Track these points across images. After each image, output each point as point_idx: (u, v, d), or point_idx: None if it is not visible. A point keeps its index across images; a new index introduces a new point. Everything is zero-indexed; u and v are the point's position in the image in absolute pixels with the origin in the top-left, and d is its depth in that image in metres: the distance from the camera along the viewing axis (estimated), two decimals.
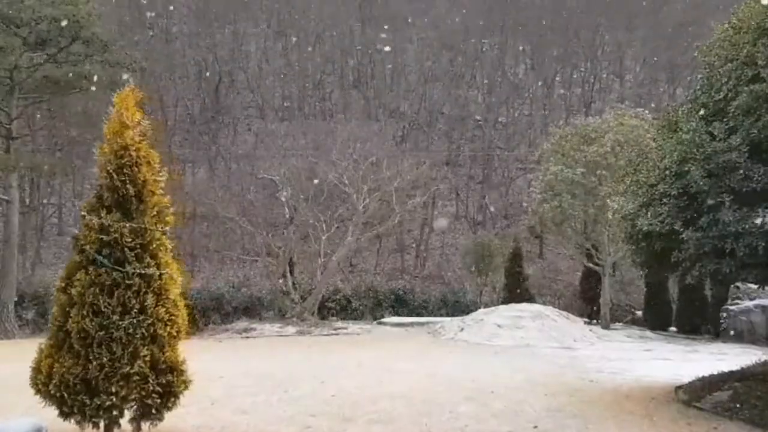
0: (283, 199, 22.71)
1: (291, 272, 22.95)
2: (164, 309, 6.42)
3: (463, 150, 48.13)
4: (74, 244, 6.48)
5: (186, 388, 6.59)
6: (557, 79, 52.63)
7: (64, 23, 20.58)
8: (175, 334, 6.53)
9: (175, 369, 6.44)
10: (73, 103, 24.19)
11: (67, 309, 6.20)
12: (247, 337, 19.40)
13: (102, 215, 6.31)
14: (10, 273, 22.05)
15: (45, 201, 39.67)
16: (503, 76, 53.07)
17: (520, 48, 54.69)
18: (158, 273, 6.46)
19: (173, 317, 6.50)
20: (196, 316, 22.18)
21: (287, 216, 23.12)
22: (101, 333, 6.10)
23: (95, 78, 20.25)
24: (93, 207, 6.42)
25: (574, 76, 54.15)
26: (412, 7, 54.77)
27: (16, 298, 22.12)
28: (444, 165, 41.64)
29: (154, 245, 6.47)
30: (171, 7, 50.38)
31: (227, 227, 34.10)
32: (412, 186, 26.82)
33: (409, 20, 54.52)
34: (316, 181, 22.87)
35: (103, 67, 21.09)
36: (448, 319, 21.30)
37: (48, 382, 6.03)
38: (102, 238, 6.27)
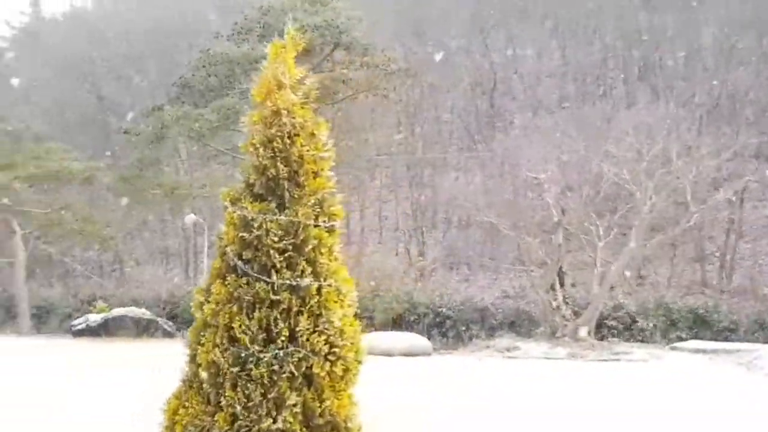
0: (550, 201, 20.01)
1: (561, 284, 20.10)
2: (323, 337, 4.46)
3: None
4: (218, 244, 4.87)
5: None
6: None
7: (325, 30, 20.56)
8: (341, 374, 4.54)
9: (337, 427, 4.44)
10: (334, 110, 24.39)
11: (201, 333, 4.57)
12: (510, 357, 17.11)
13: (244, 206, 4.59)
14: None
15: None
16: None
17: None
18: (316, 285, 4.54)
19: (336, 350, 4.52)
20: (459, 330, 20.62)
21: (555, 219, 20.37)
22: (235, 369, 4.34)
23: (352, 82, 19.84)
24: (238, 195, 4.73)
25: None
26: None
27: None
28: (753, 158, 35.04)
29: (310, 246, 4.57)
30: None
31: (502, 235, 32.35)
32: (712, 183, 22.17)
33: None
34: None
35: (357, 69, 20.66)
36: None
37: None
38: (243, 237, 4.54)
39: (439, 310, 20.42)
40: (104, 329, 22.29)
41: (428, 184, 40.34)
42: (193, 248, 35.50)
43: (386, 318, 20.48)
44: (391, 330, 20.13)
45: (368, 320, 21.27)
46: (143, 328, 22.52)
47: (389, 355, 17.53)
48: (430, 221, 39.78)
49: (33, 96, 50.24)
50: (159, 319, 23.45)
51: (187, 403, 4.44)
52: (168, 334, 23.09)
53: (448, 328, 20.49)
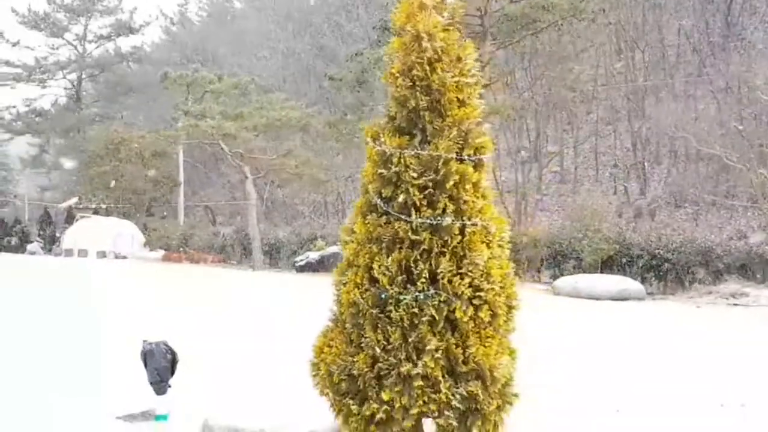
0: None
1: None
2: (467, 280, 4.14)
3: None
4: (361, 182, 4.70)
5: (503, 404, 4.22)
6: None
7: None
8: (487, 320, 4.20)
9: (482, 375, 4.12)
10: (540, 40, 22.95)
11: (346, 272, 4.49)
12: (735, 305, 15.26)
13: (384, 140, 4.35)
14: None
15: (546, 149, 40.31)
16: None
17: None
18: (458, 224, 4.20)
19: (481, 293, 4.16)
20: (679, 273, 18.89)
21: None
22: (375, 310, 4.20)
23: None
24: (379, 129, 4.50)
25: None
26: None
27: None
28: None
29: (452, 182, 4.21)
30: None
31: (737, 170, 28.90)
32: None
33: None
34: None
35: None
36: None
37: (317, 371, 4.46)
38: (382, 174, 4.32)
39: (656, 251, 18.71)
40: (321, 265, 23.88)
41: (651, 115, 36.98)
42: None
43: (595, 260, 19.32)
44: (601, 272, 18.99)
45: (576, 262, 20.30)
46: None
47: (596, 298, 16.60)
48: (653, 156, 36.62)
49: (261, 50, 54.36)
50: None
51: (332, 342, 4.41)
52: None
53: (667, 271, 18.74)
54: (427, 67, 4.30)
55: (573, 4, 18.04)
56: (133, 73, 61.56)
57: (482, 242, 4.24)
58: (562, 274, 19.70)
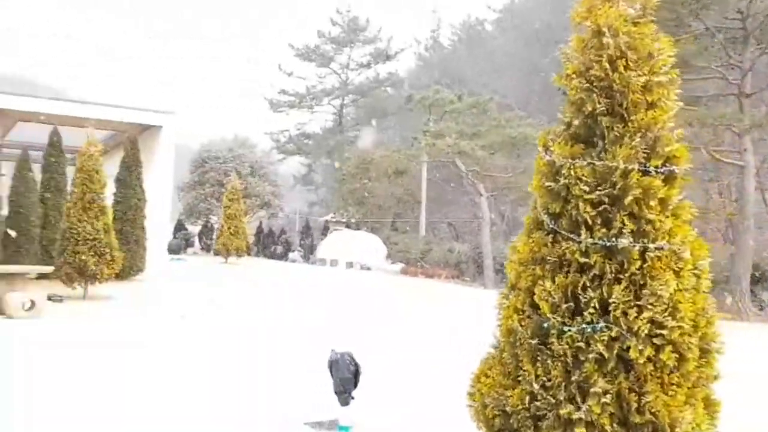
0: None
1: None
2: (646, 315, 3.48)
3: None
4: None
5: None
6: None
7: None
8: (672, 363, 3.48)
9: (661, 430, 3.42)
10: None
11: (508, 296, 4.06)
12: None
13: (553, 149, 3.87)
14: (745, 247, 19.66)
15: None
16: None
17: None
18: (638, 247, 3.56)
19: (664, 332, 3.46)
20: None
21: None
22: (534, 341, 3.72)
23: None
24: (552, 138, 4.02)
25: None
26: None
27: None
28: None
29: (632, 197, 3.59)
30: None
31: None
32: None
33: None
34: None
35: None
36: None
37: (472, 401, 4.08)
38: (550, 187, 3.84)
39: None
40: None
41: None
42: None
43: None
44: None
45: None
46: None
47: None
48: None
49: (507, 70, 54.40)
50: None
51: (489, 372, 4.01)
52: None
53: None
54: (607, 66, 3.73)
55: None
56: (388, 97, 65.35)
57: (669, 270, 3.54)
58: None
